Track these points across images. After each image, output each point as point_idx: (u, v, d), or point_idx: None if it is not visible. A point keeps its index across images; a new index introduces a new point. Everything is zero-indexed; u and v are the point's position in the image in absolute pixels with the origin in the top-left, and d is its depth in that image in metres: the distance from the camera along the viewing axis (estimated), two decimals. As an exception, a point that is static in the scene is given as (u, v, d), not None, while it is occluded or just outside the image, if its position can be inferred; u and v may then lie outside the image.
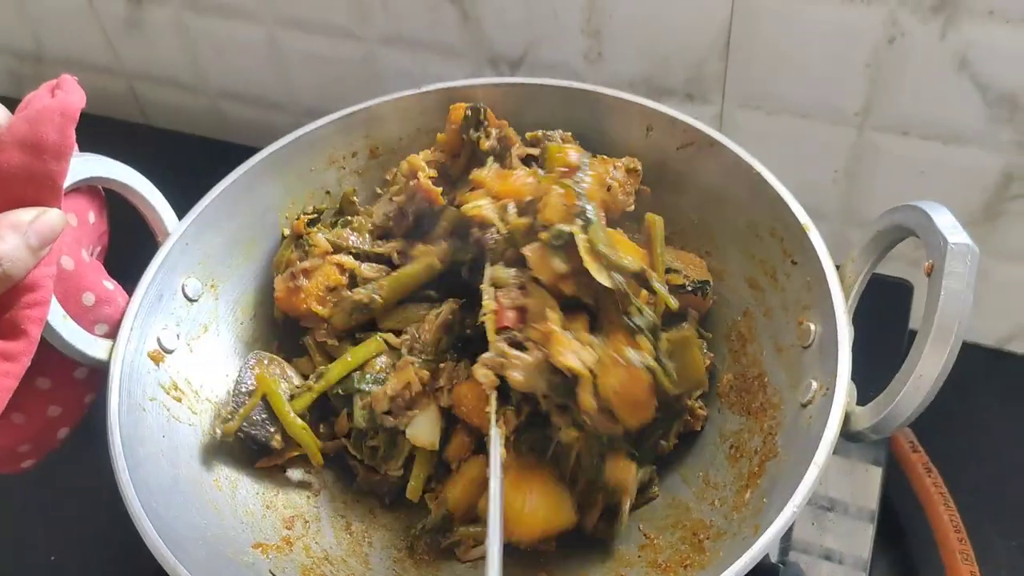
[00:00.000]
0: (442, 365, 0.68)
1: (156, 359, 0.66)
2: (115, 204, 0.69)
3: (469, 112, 0.74)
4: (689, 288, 0.71)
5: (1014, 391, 0.86)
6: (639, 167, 0.73)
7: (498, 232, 0.65)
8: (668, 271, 0.72)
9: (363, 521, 0.70)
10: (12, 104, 0.60)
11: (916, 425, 0.77)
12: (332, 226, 0.76)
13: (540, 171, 0.69)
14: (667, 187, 0.75)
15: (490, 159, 0.73)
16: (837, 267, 0.63)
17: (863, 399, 0.58)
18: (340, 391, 0.69)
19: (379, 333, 0.71)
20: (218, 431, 0.66)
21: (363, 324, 0.72)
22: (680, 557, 0.62)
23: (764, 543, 0.52)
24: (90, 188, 0.66)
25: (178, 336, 0.68)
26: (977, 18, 0.70)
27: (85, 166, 0.64)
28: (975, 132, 0.76)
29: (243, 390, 0.69)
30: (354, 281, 0.72)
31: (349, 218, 0.76)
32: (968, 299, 0.54)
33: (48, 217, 0.57)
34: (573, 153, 0.69)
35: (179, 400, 0.66)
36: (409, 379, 0.67)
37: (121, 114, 1.19)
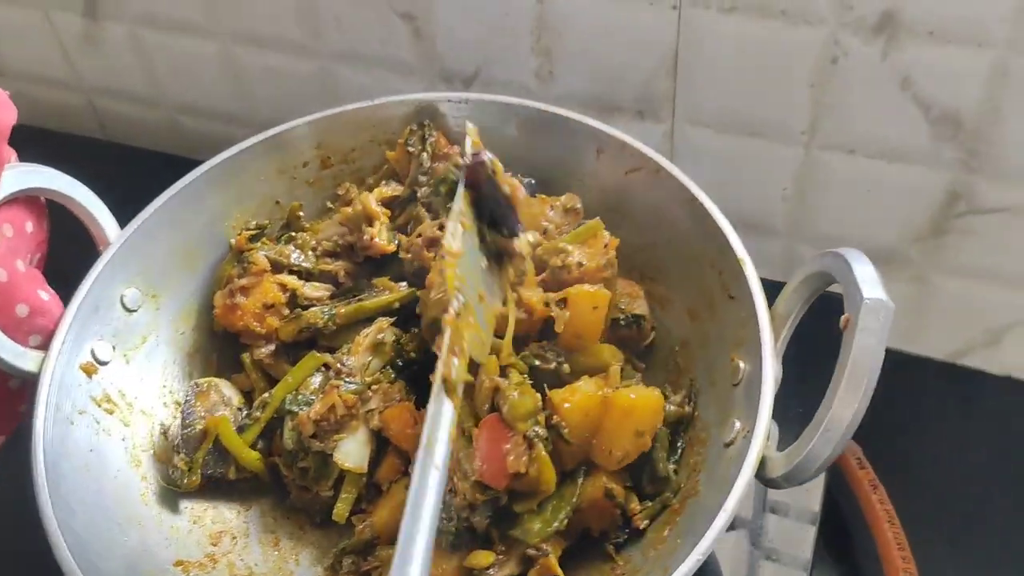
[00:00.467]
0: (375, 387, 0.68)
1: (88, 371, 0.65)
2: (61, 213, 0.69)
3: (415, 126, 0.74)
4: (623, 323, 0.71)
5: (965, 406, 0.86)
6: (578, 205, 0.74)
7: None
8: None
9: (292, 538, 0.69)
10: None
11: (865, 440, 0.77)
12: (278, 240, 0.75)
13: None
14: (615, 209, 0.75)
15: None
16: (777, 291, 0.63)
17: (805, 427, 0.58)
18: (274, 412, 0.69)
19: (315, 352, 0.70)
20: (181, 484, 0.66)
21: (306, 340, 0.72)
22: None
23: None
24: (28, 197, 0.65)
25: (114, 347, 0.67)
26: (918, 38, 0.71)
27: (22, 177, 0.64)
28: (919, 151, 0.76)
29: (191, 433, 0.68)
30: (295, 300, 0.72)
31: (294, 234, 0.76)
32: (879, 354, 0.54)
33: None
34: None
35: (111, 412, 0.65)
36: (334, 402, 0.66)
37: (81, 129, 1.18)
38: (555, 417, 0.63)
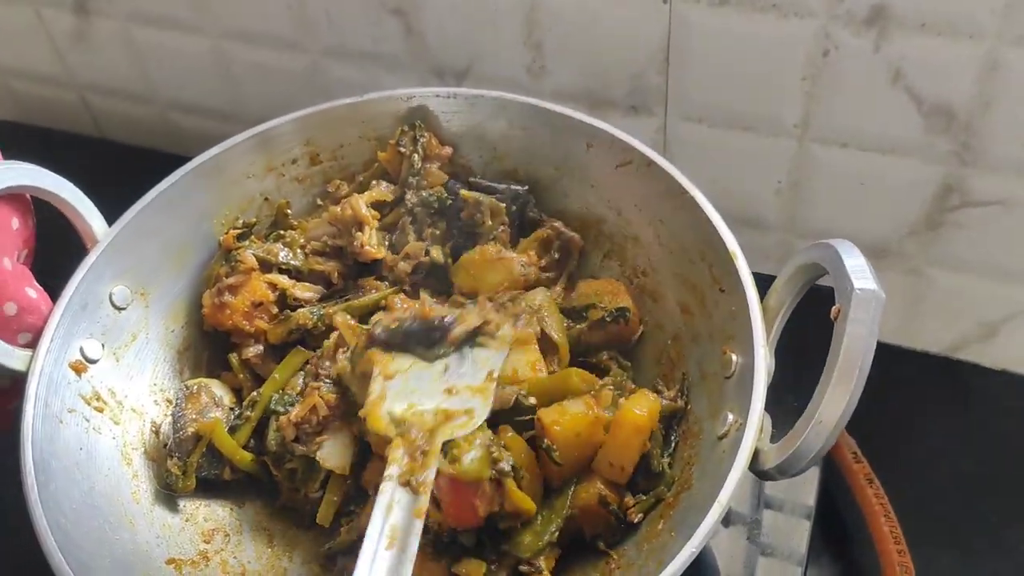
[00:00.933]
0: (354, 388, 0.67)
1: (78, 369, 0.65)
2: (49, 210, 0.68)
3: (406, 127, 0.74)
4: (608, 319, 0.71)
5: (961, 400, 0.86)
6: (547, 233, 0.75)
7: None
8: (586, 307, 0.72)
9: (285, 535, 0.69)
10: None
11: (860, 434, 0.78)
12: (266, 238, 0.75)
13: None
14: (606, 204, 0.75)
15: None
16: (765, 289, 0.62)
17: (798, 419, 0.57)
18: (264, 410, 0.69)
19: (301, 347, 0.70)
20: (176, 488, 0.66)
21: (295, 341, 0.72)
22: None
23: None
24: (13, 194, 0.65)
25: (103, 345, 0.67)
26: (909, 31, 0.70)
27: (8, 174, 0.64)
28: (912, 143, 0.76)
29: (183, 436, 0.67)
30: (284, 300, 0.72)
31: (282, 232, 0.75)
32: (871, 345, 0.54)
33: None
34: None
35: (101, 411, 0.65)
36: (315, 403, 0.66)
37: (74, 126, 1.18)
38: (545, 440, 0.62)
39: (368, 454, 0.66)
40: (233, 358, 0.72)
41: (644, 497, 0.64)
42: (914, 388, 0.86)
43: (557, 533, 0.62)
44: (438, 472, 0.59)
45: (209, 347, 0.75)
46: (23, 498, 0.57)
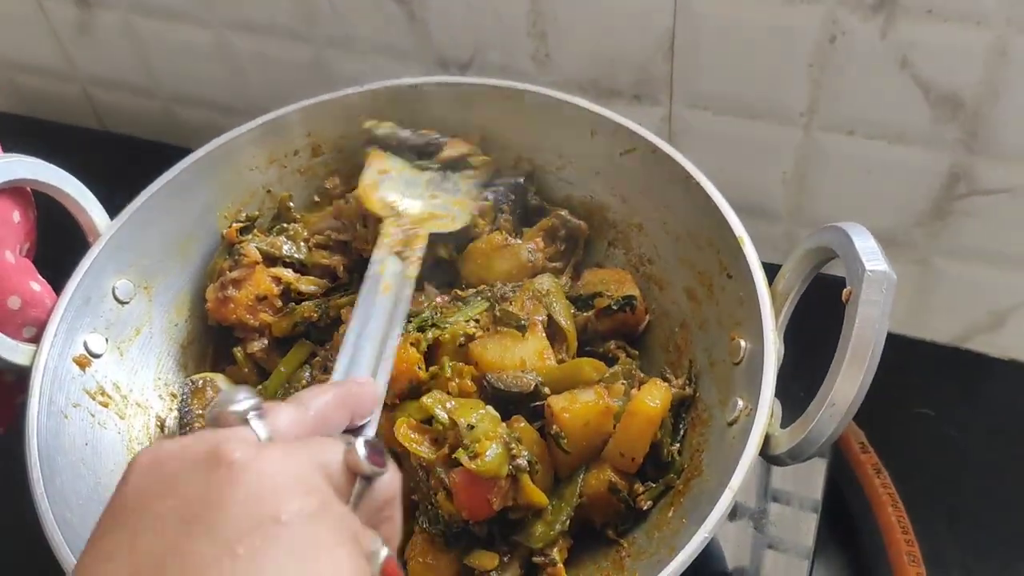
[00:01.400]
0: None
1: (82, 364, 0.65)
2: (51, 204, 0.68)
3: None
4: (615, 307, 0.71)
5: (969, 390, 0.85)
6: (553, 222, 0.75)
7: None
8: (593, 296, 0.72)
9: None
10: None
11: (867, 425, 0.77)
12: (269, 231, 0.75)
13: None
14: (611, 192, 0.74)
15: None
16: (772, 277, 0.62)
17: (806, 406, 0.57)
18: None
19: (306, 340, 0.70)
20: None
21: (300, 334, 0.72)
22: (600, 574, 0.61)
23: (675, 567, 0.51)
24: (13, 190, 0.65)
25: (107, 340, 0.67)
26: (916, 17, 0.69)
27: (9, 168, 0.63)
28: (919, 131, 0.75)
29: (189, 432, 0.66)
30: (288, 293, 0.72)
31: (285, 225, 0.75)
32: (883, 327, 0.53)
33: None
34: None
35: (106, 405, 0.65)
36: None
37: (76, 120, 1.17)
38: (554, 427, 0.62)
39: None
40: (238, 352, 0.72)
41: (653, 485, 0.63)
42: (922, 378, 0.85)
43: (568, 522, 0.62)
44: (453, 465, 0.59)
45: (213, 341, 0.74)
46: (29, 493, 0.56)
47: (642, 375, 0.68)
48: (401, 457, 0.63)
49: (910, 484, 0.74)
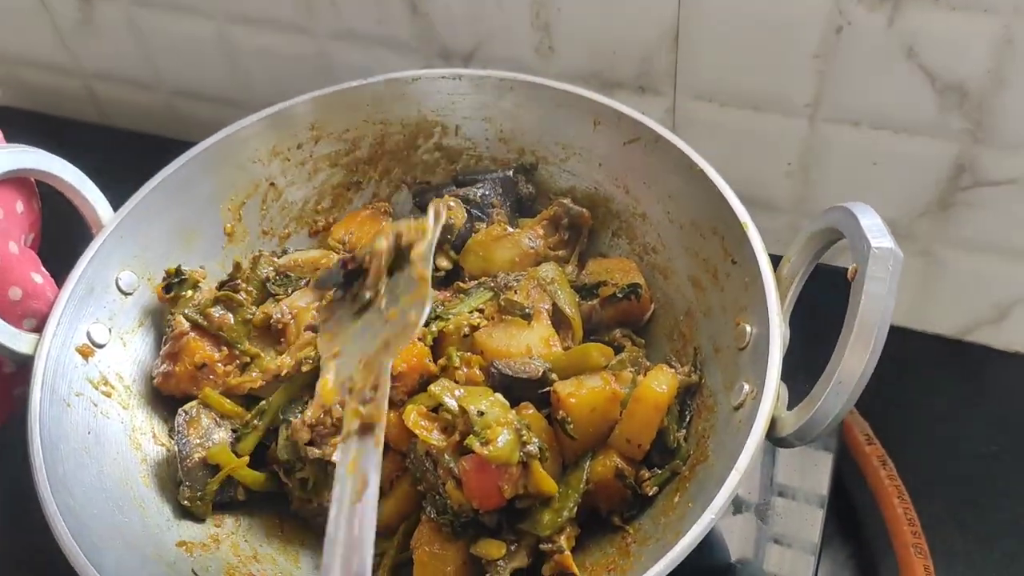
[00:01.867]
0: None
1: (85, 353, 0.64)
2: (55, 195, 0.68)
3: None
4: (620, 295, 0.71)
5: (972, 383, 0.85)
6: (556, 210, 0.74)
7: None
8: (597, 284, 0.72)
9: (295, 524, 0.68)
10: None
11: (873, 416, 0.77)
12: (222, 287, 0.71)
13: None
14: (614, 182, 0.74)
15: None
16: (776, 261, 0.62)
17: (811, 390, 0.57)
18: (271, 421, 0.67)
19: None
20: (195, 512, 0.65)
21: None
22: (607, 560, 0.61)
23: (678, 552, 0.51)
24: (17, 178, 0.65)
25: (110, 330, 0.67)
26: (923, 6, 0.69)
27: (13, 158, 0.63)
28: (925, 121, 0.75)
29: (191, 464, 0.65)
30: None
31: (232, 293, 0.70)
32: (889, 304, 0.53)
33: None
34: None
35: (108, 395, 0.65)
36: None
37: (78, 113, 1.17)
38: (560, 412, 0.62)
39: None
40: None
41: (659, 471, 0.63)
42: (925, 371, 0.85)
43: (575, 509, 0.61)
44: (462, 454, 0.59)
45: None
46: (32, 481, 0.56)
47: (648, 364, 0.68)
48: (408, 448, 0.63)
49: (914, 476, 0.74)
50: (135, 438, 0.65)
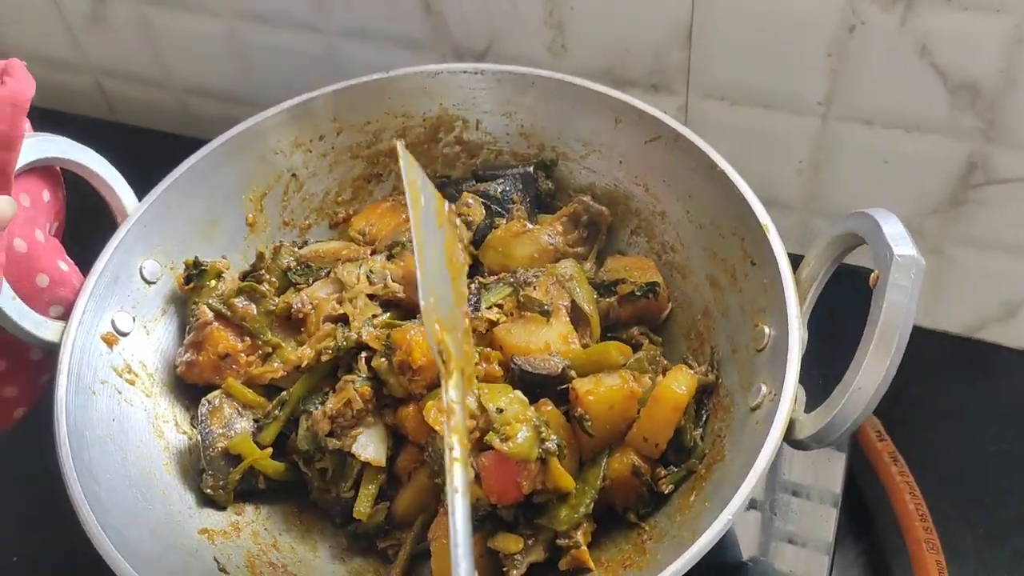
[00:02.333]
0: (392, 380, 0.65)
1: (110, 341, 0.65)
2: (80, 185, 0.68)
3: None
4: (638, 293, 0.71)
5: (982, 380, 0.86)
6: (575, 207, 0.75)
7: None
8: (616, 282, 0.72)
9: (314, 514, 0.69)
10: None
11: (884, 414, 0.77)
12: (245, 277, 0.72)
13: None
14: (634, 180, 0.75)
15: None
16: (797, 262, 0.62)
17: (827, 392, 0.57)
18: (292, 411, 0.67)
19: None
20: (217, 500, 0.65)
21: None
22: (622, 556, 0.61)
23: (696, 550, 0.52)
24: (44, 167, 0.65)
25: (134, 319, 0.67)
26: (936, 5, 0.70)
27: (40, 146, 0.64)
28: (938, 120, 0.76)
29: (213, 453, 0.65)
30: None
31: (255, 284, 0.71)
32: (911, 311, 0.54)
33: None
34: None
35: (132, 383, 0.65)
36: (349, 396, 0.64)
37: (89, 110, 1.17)
38: (579, 409, 0.63)
39: (399, 445, 0.66)
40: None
41: (676, 469, 0.64)
42: (934, 368, 0.86)
43: (592, 505, 0.62)
44: (481, 450, 0.59)
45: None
46: (58, 467, 0.56)
47: (666, 363, 0.69)
48: (427, 442, 0.63)
49: (923, 473, 0.75)
50: (158, 426, 0.66)
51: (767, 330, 0.62)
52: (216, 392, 0.67)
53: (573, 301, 0.69)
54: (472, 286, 0.70)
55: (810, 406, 0.59)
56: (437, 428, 0.61)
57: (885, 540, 0.75)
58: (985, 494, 0.77)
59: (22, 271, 0.62)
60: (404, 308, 0.71)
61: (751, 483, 0.53)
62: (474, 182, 0.79)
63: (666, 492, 0.63)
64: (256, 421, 0.67)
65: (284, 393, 0.67)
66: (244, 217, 0.75)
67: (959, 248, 0.83)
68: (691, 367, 0.67)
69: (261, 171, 0.76)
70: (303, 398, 0.67)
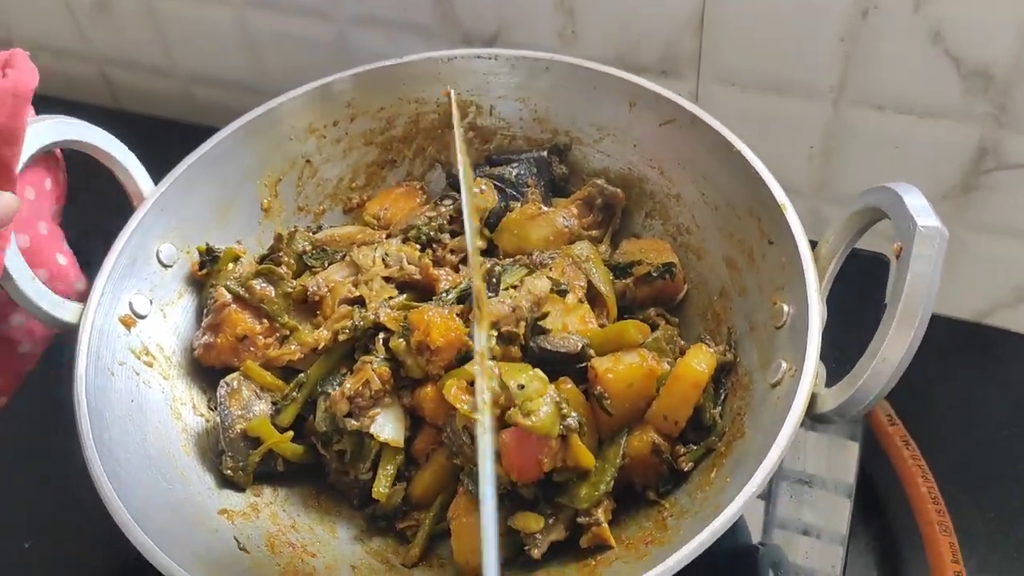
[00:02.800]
0: (410, 361, 0.65)
1: (127, 324, 0.65)
2: (96, 167, 0.68)
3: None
4: (655, 274, 0.71)
5: (992, 365, 0.86)
6: (590, 191, 0.75)
7: None
8: (631, 264, 0.72)
9: (332, 495, 0.69)
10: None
11: (894, 399, 0.77)
12: (262, 260, 0.72)
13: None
14: (648, 163, 0.75)
15: None
16: (813, 246, 0.62)
17: (841, 373, 0.57)
18: (310, 392, 0.67)
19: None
20: (236, 482, 0.65)
21: None
22: (643, 534, 0.61)
23: (720, 524, 0.52)
24: (45, 155, 0.64)
25: (151, 301, 0.67)
26: (950, -10, 0.71)
27: (58, 128, 0.63)
28: (950, 105, 0.76)
29: (232, 435, 0.65)
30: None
31: (273, 266, 0.71)
32: (935, 282, 0.53)
33: (1, 202, 0.57)
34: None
35: (150, 365, 0.65)
36: (367, 377, 0.64)
37: (93, 99, 1.17)
38: (598, 387, 0.63)
39: (416, 427, 0.66)
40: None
41: (695, 447, 0.64)
42: (944, 353, 0.85)
43: (612, 482, 0.62)
44: (503, 426, 0.59)
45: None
46: (79, 447, 0.56)
47: (682, 342, 0.69)
48: (445, 422, 0.63)
49: (937, 456, 0.75)
50: (175, 408, 0.66)
51: (786, 308, 0.62)
52: (234, 374, 0.67)
53: (589, 282, 0.70)
54: (496, 268, 0.70)
55: (828, 384, 0.59)
56: (458, 406, 0.61)
57: (898, 523, 0.75)
58: (994, 479, 0.78)
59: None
60: (420, 290, 0.71)
61: (775, 457, 0.53)
62: (488, 167, 0.79)
63: (686, 469, 0.63)
64: (274, 403, 0.67)
65: (302, 375, 0.67)
66: (259, 202, 0.75)
67: (970, 233, 0.83)
68: (709, 347, 0.67)
69: (275, 157, 0.76)
70: (321, 380, 0.67)
